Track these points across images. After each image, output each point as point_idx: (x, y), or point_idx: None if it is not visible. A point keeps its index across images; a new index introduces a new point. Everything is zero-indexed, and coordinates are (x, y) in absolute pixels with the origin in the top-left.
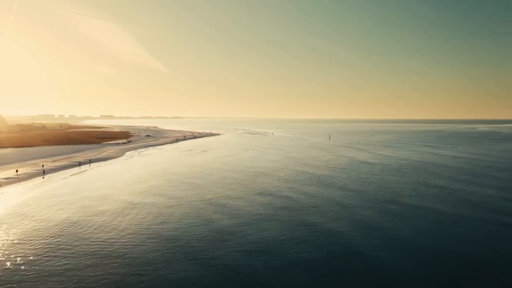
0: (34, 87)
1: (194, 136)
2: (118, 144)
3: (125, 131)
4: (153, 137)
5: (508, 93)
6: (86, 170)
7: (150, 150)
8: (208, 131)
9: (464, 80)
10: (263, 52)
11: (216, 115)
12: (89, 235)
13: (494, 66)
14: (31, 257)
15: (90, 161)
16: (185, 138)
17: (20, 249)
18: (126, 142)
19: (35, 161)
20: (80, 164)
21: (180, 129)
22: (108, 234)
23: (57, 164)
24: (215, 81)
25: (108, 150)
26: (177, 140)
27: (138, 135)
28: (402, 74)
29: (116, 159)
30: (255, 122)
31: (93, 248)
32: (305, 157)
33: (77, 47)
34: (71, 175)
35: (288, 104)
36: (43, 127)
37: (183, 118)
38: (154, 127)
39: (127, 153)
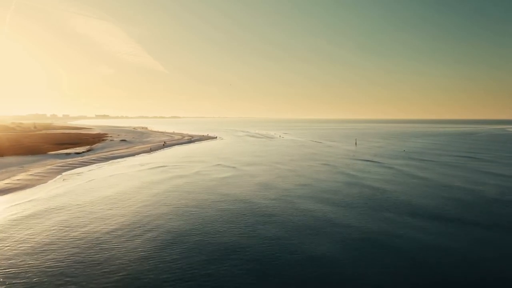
0: (33, 87)
1: (184, 140)
2: (68, 155)
3: (102, 134)
4: (128, 142)
5: (508, 93)
6: None
7: (103, 166)
8: (203, 133)
9: (464, 80)
10: (263, 52)
11: (215, 115)
12: None
13: (494, 66)
14: None
15: None
16: (166, 145)
17: None
18: (86, 151)
19: None
20: None
21: (171, 131)
22: None
23: None
24: (215, 81)
25: (36, 169)
26: (151, 150)
27: (112, 140)
28: (402, 74)
29: (23, 190)
30: (256, 122)
31: None
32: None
33: (76, 47)
34: None
35: (288, 104)
36: (13, 128)
37: (181, 118)
38: (143, 128)
39: (64, 173)
